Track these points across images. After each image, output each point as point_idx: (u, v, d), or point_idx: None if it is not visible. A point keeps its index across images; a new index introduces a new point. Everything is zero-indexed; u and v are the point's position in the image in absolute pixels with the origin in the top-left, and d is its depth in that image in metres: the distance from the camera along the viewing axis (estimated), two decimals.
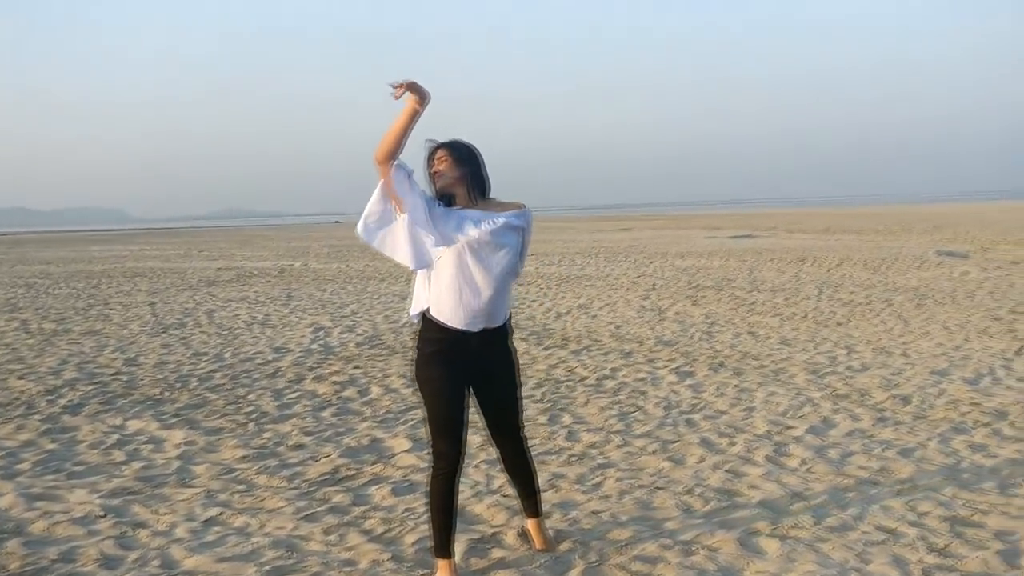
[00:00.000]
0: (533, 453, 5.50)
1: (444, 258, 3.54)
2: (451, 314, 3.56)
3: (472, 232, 3.53)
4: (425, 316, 3.65)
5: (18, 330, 11.53)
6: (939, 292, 13.73)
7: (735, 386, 7.36)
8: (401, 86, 3.37)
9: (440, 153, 3.63)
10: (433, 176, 3.63)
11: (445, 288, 3.56)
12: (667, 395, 7.09)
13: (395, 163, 3.48)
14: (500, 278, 3.59)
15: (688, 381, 7.58)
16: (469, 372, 3.70)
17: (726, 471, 5.13)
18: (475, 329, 3.59)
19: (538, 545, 4.05)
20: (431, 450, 3.67)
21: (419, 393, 3.72)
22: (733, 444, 5.70)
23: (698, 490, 4.81)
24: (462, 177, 3.62)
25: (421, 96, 3.39)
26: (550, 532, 4.17)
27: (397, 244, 3.55)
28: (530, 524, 4.09)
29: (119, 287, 18.06)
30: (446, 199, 3.62)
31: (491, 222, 3.56)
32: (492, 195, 3.72)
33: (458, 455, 3.65)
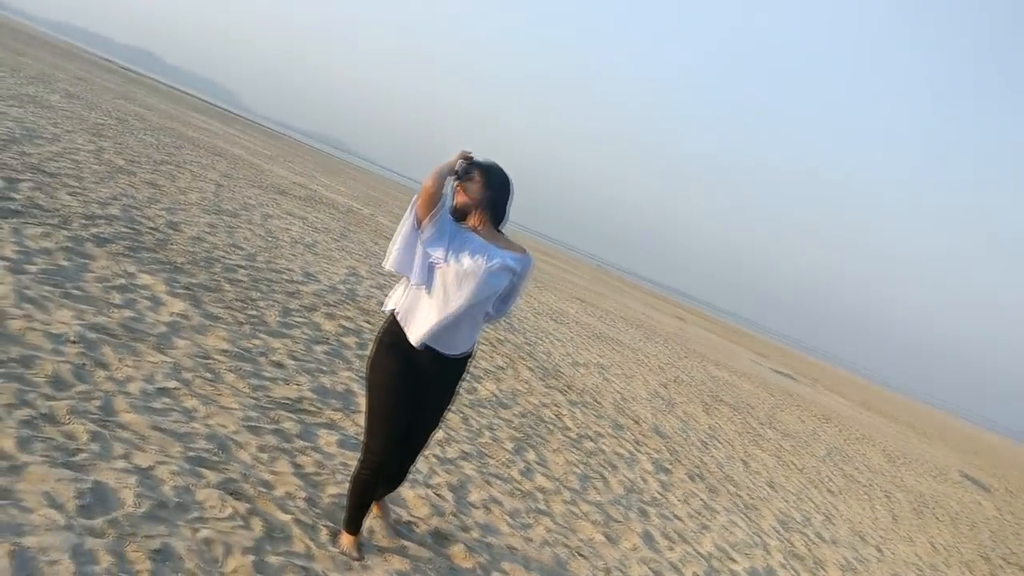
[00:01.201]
0: (485, 471, 5.53)
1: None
2: (411, 325, 3.58)
3: (466, 260, 3.51)
4: (392, 315, 3.67)
5: (91, 154, 11.83)
6: (943, 509, 13.42)
7: (702, 501, 7.28)
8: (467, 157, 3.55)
9: (476, 172, 3.62)
10: (457, 188, 3.62)
11: (414, 298, 3.59)
12: (635, 479, 7.03)
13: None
14: (468, 310, 3.56)
15: (662, 476, 7.51)
16: (415, 383, 3.66)
17: (651, 568, 5.08)
18: (425, 348, 3.58)
19: (377, 514, 4.12)
20: (361, 443, 3.65)
21: (366, 384, 3.69)
22: (671, 549, 5.64)
23: (616, 573, 4.76)
24: (484, 200, 3.61)
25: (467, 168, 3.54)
26: (393, 518, 4.20)
27: (407, 260, 3.56)
28: (344, 537, 3.80)
29: (198, 158, 18.43)
30: (458, 214, 3.62)
31: (487, 257, 3.54)
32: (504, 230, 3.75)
33: (386, 457, 3.63)
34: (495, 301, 3.71)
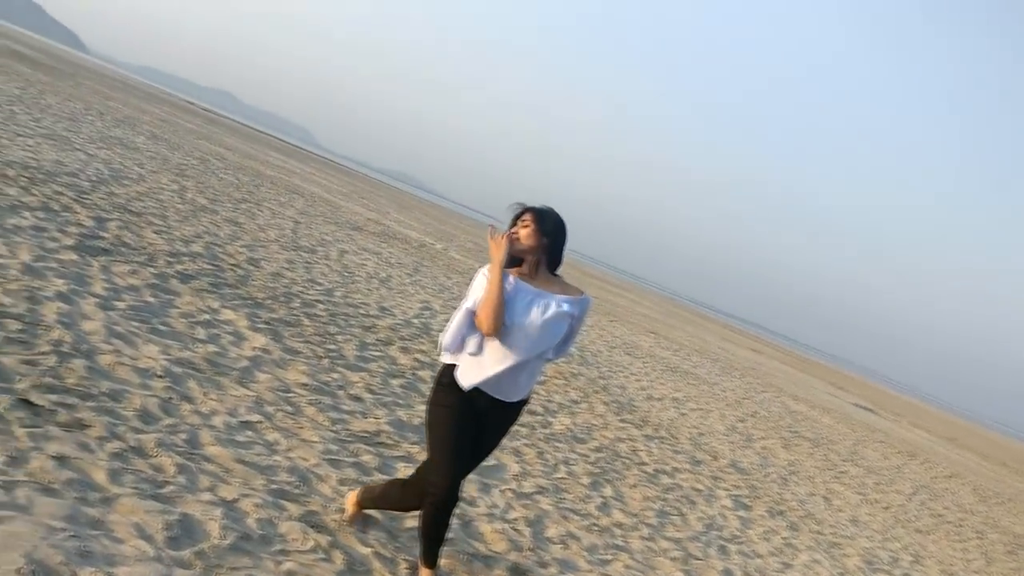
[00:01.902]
0: (562, 506, 5.49)
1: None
2: (467, 372, 3.54)
3: (523, 314, 3.46)
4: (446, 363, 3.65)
5: (175, 193, 12.21)
6: None
7: (783, 539, 7.10)
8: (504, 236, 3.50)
9: (526, 217, 3.56)
10: (511, 237, 3.56)
11: (472, 346, 3.54)
12: (714, 515, 6.90)
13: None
14: (529, 359, 3.53)
15: (741, 512, 7.35)
16: (476, 418, 3.63)
17: None
18: (483, 393, 3.56)
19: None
20: (427, 480, 3.60)
21: (425, 422, 3.71)
22: None
23: None
24: (539, 247, 3.56)
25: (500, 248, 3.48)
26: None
27: (459, 338, 3.56)
28: (422, 572, 3.77)
29: (276, 195, 18.88)
30: (513, 261, 3.58)
31: (544, 307, 3.49)
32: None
33: (451, 495, 3.56)
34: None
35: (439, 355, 3.69)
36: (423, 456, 5.29)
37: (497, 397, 3.57)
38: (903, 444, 22.27)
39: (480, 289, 3.50)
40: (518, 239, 3.53)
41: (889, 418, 32.47)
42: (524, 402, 3.71)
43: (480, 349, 3.51)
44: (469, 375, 3.52)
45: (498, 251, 3.47)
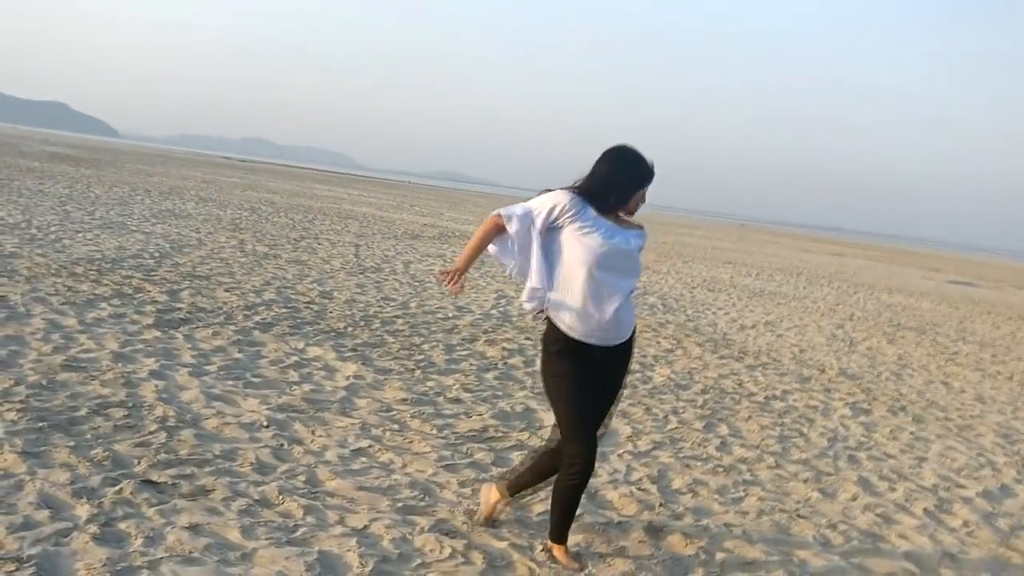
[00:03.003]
0: (682, 455, 5.46)
1: (573, 268, 3.49)
2: (575, 323, 3.53)
3: (609, 247, 3.49)
4: (549, 320, 3.62)
5: (235, 248, 12.47)
6: None
7: (911, 433, 6.95)
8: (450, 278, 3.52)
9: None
10: (637, 202, 3.60)
11: (572, 297, 3.50)
12: (836, 427, 6.79)
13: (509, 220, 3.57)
14: (626, 294, 3.57)
15: (862, 418, 7.22)
16: (592, 374, 3.62)
17: (877, 514, 4.88)
18: (597, 343, 3.56)
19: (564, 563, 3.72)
20: (563, 451, 3.61)
21: (547, 394, 3.71)
22: (893, 490, 5.40)
23: (842, 527, 4.60)
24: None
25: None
26: (573, 552, 3.80)
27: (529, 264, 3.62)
28: (556, 550, 3.75)
29: (331, 225, 19.14)
30: (603, 204, 3.55)
31: (627, 240, 3.56)
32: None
33: (591, 458, 3.56)
34: None
35: (524, 304, 3.63)
36: (533, 440, 5.33)
37: (608, 345, 3.58)
38: (1011, 310, 21.60)
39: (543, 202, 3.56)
40: (641, 199, 3.61)
41: (990, 287, 31.53)
42: (633, 339, 3.71)
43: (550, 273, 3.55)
44: (578, 327, 3.52)
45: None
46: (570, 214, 3.48)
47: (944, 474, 5.90)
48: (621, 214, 3.62)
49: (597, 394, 3.66)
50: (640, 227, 3.69)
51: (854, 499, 5.11)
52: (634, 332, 3.72)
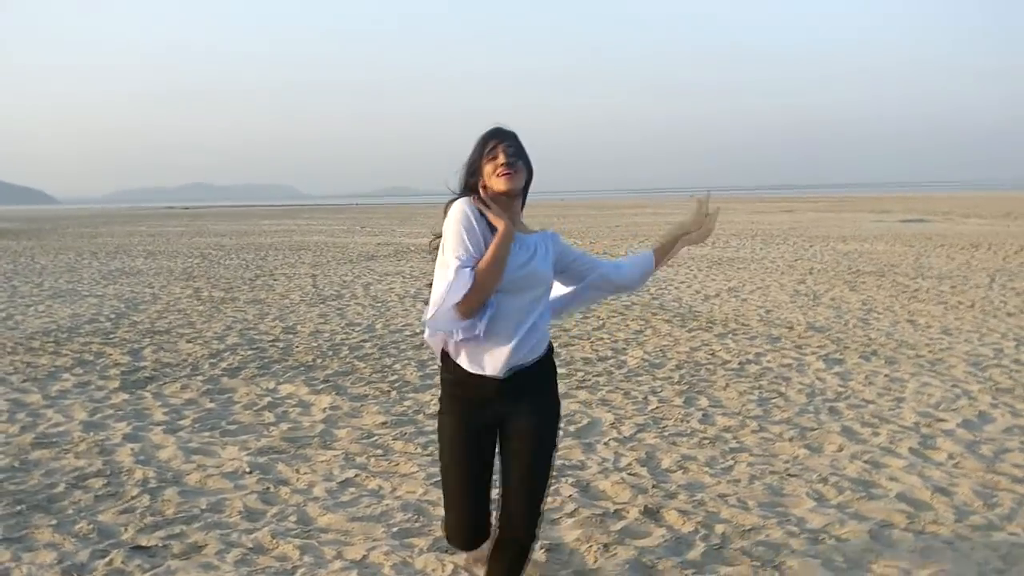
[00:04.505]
0: (666, 434, 5.49)
1: None
2: (469, 356, 2.77)
3: (523, 270, 2.75)
4: (444, 353, 2.85)
5: (191, 297, 12.33)
6: None
7: (886, 375, 7.04)
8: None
9: (507, 144, 2.74)
10: (493, 168, 2.74)
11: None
12: (812, 382, 6.86)
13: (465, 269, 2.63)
14: (533, 308, 2.79)
15: (836, 368, 7.30)
16: (492, 426, 2.86)
17: (865, 461, 4.94)
18: (501, 375, 2.75)
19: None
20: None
21: (441, 457, 2.97)
22: (876, 434, 5.47)
23: (833, 479, 4.65)
24: (524, 186, 2.84)
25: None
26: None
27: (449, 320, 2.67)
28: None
29: (284, 259, 18.99)
30: (488, 202, 2.74)
31: (535, 251, 2.82)
32: None
33: (469, 537, 2.96)
34: (605, 274, 3.05)
35: (424, 332, 2.85)
36: None
37: (516, 367, 2.77)
38: (963, 239, 22.00)
39: (468, 235, 2.67)
40: (507, 176, 2.72)
41: (940, 220, 32.10)
42: (550, 351, 2.92)
43: (484, 320, 2.68)
44: (491, 361, 2.74)
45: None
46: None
47: (923, 411, 5.99)
48: (483, 193, 2.75)
49: (504, 445, 2.90)
50: (541, 229, 2.99)
51: (840, 450, 5.17)
52: (550, 345, 2.92)
